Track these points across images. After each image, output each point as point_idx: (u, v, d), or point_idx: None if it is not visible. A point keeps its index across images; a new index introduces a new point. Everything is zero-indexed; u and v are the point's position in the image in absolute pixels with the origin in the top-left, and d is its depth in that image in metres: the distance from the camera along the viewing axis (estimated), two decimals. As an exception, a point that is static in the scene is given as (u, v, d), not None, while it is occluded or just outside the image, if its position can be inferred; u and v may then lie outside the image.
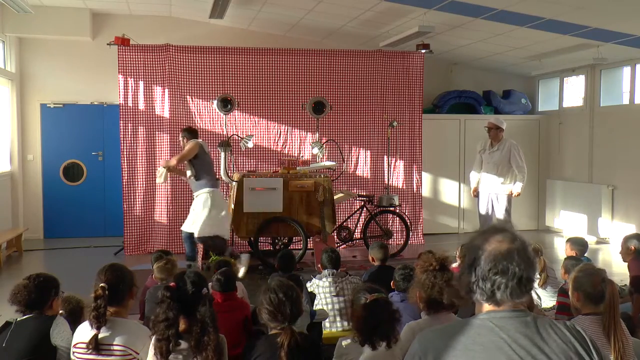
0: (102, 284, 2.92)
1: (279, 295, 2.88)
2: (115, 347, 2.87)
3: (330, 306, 4.43)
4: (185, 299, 2.82)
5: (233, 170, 7.87)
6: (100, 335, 2.88)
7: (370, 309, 2.98)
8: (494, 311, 1.79)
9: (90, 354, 2.87)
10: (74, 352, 2.96)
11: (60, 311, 3.54)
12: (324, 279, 4.56)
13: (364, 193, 8.85)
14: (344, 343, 3.13)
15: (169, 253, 5.06)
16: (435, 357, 1.75)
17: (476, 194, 8.18)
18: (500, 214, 7.90)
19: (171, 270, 4.43)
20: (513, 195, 7.87)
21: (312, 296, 4.53)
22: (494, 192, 7.93)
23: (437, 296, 3.21)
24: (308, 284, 4.67)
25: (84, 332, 2.95)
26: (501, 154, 7.85)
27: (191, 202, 8.52)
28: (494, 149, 7.94)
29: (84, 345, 2.89)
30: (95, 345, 2.84)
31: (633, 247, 5.02)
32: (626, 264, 5.20)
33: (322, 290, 4.51)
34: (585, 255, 5.58)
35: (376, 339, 2.91)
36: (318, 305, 4.46)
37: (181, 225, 8.52)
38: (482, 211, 8.12)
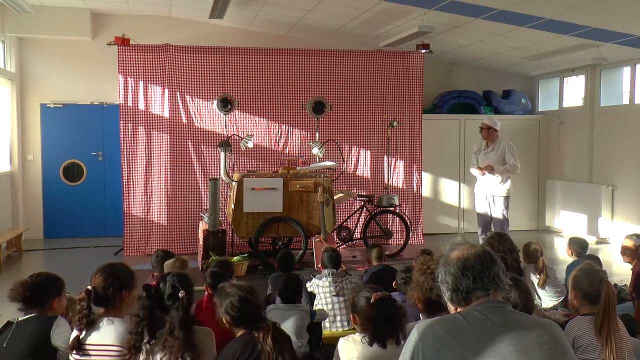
0: (88, 287, 2.97)
1: (239, 298, 2.88)
2: (110, 347, 2.88)
3: (330, 306, 4.43)
4: (160, 299, 2.93)
5: (233, 170, 7.87)
6: (93, 336, 2.91)
7: (379, 307, 2.99)
8: (480, 304, 1.98)
9: (83, 354, 2.90)
10: (72, 353, 2.97)
11: None
12: (324, 279, 4.57)
13: (364, 193, 8.85)
14: (344, 343, 3.13)
15: (169, 252, 5.06)
16: (435, 341, 1.91)
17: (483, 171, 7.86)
18: (498, 214, 7.83)
19: (180, 268, 4.44)
20: (482, 168, 7.75)
21: (312, 296, 4.54)
22: (491, 194, 7.85)
23: (435, 298, 3.21)
24: (308, 284, 4.68)
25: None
26: (496, 154, 7.77)
27: (191, 202, 8.58)
28: (488, 149, 7.87)
29: None
30: (76, 346, 2.90)
31: None
32: (626, 263, 5.16)
33: (322, 290, 4.51)
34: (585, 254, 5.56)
35: (386, 337, 2.91)
36: (318, 305, 4.46)
37: (181, 225, 8.58)
38: (480, 210, 8.06)
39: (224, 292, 2.95)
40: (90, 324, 2.92)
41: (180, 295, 2.88)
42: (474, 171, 8.03)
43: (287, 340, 2.88)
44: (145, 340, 2.81)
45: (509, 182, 7.83)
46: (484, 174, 7.83)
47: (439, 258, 2.09)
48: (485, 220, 8.00)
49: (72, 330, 3.14)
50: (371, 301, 3.03)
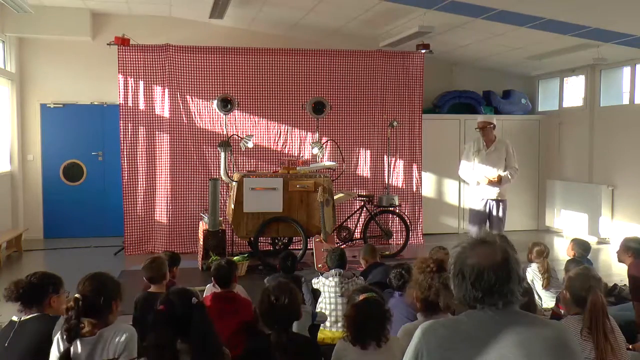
0: (76, 295, 2.81)
1: (270, 298, 2.91)
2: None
3: (333, 306, 4.45)
4: (177, 318, 2.65)
5: (233, 170, 7.87)
6: (84, 350, 2.77)
7: (360, 308, 3.03)
8: (488, 307, 1.92)
9: None
10: None
11: None
12: (330, 278, 4.57)
13: (364, 193, 8.85)
14: (343, 344, 3.14)
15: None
16: (438, 342, 1.87)
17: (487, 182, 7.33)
18: (498, 216, 7.42)
19: (158, 268, 4.20)
20: (491, 177, 7.19)
21: (316, 293, 4.55)
22: (492, 198, 7.35)
23: (433, 298, 3.22)
24: (314, 281, 4.70)
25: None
26: (499, 154, 7.34)
27: (192, 202, 8.58)
28: (490, 149, 7.37)
29: None
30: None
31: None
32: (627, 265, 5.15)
33: (327, 289, 4.53)
34: (587, 257, 5.55)
35: (366, 338, 2.95)
36: (322, 303, 4.48)
37: (181, 225, 8.58)
38: (476, 207, 7.49)
39: (286, 288, 2.96)
40: (79, 336, 2.75)
41: (193, 302, 2.68)
42: (470, 178, 7.48)
43: (304, 353, 2.88)
44: None
45: (507, 185, 7.64)
46: (494, 185, 7.22)
47: (456, 251, 1.99)
48: (481, 218, 7.48)
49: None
50: (357, 301, 3.08)
